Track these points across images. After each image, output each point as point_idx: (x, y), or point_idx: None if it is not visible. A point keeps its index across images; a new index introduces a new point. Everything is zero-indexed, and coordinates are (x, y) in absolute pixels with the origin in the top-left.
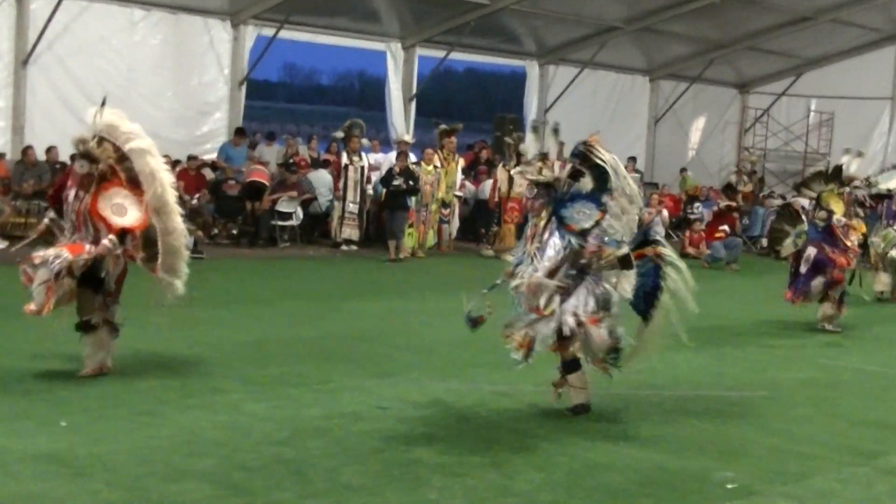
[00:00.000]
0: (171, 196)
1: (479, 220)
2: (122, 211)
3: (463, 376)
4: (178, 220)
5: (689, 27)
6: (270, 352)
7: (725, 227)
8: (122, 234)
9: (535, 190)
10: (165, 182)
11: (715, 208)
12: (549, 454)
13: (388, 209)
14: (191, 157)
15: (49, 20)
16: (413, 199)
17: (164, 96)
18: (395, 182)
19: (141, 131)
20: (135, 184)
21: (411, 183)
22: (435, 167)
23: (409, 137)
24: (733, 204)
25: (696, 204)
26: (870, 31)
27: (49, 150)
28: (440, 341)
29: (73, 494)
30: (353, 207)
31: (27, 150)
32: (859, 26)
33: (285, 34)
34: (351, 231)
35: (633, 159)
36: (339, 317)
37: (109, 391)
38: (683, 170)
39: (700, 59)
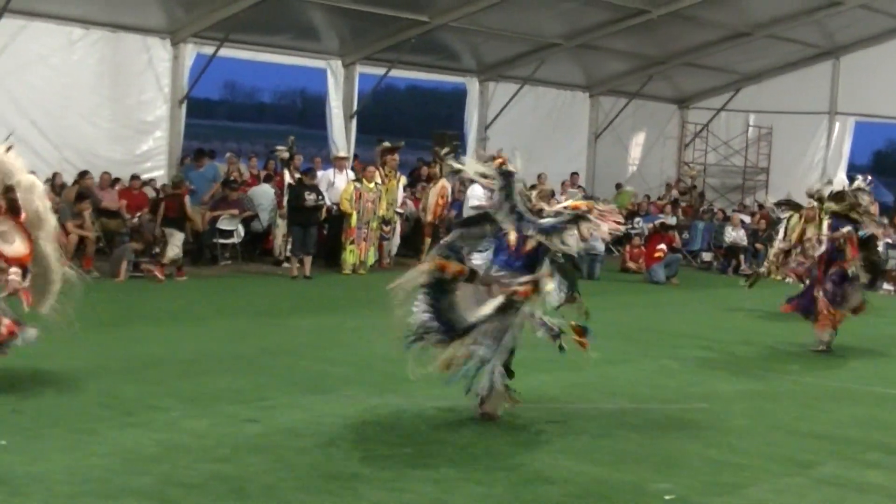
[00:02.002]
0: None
1: (419, 237)
2: (10, 239)
3: (400, 391)
4: (56, 262)
5: (628, 43)
6: (208, 369)
7: (663, 247)
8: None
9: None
10: (52, 223)
11: (650, 225)
12: (487, 468)
13: (297, 225)
14: (134, 177)
15: None
16: (353, 216)
17: (102, 115)
18: (308, 197)
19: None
20: (14, 213)
21: (321, 199)
22: (376, 184)
23: (344, 153)
24: (666, 222)
25: (637, 219)
26: (807, 47)
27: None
28: (377, 357)
29: None
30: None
31: None
32: (796, 42)
33: (225, 52)
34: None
35: (575, 174)
36: (277, 333)
37: (46, 409)
38: (619, 185)
39: (639, 75)
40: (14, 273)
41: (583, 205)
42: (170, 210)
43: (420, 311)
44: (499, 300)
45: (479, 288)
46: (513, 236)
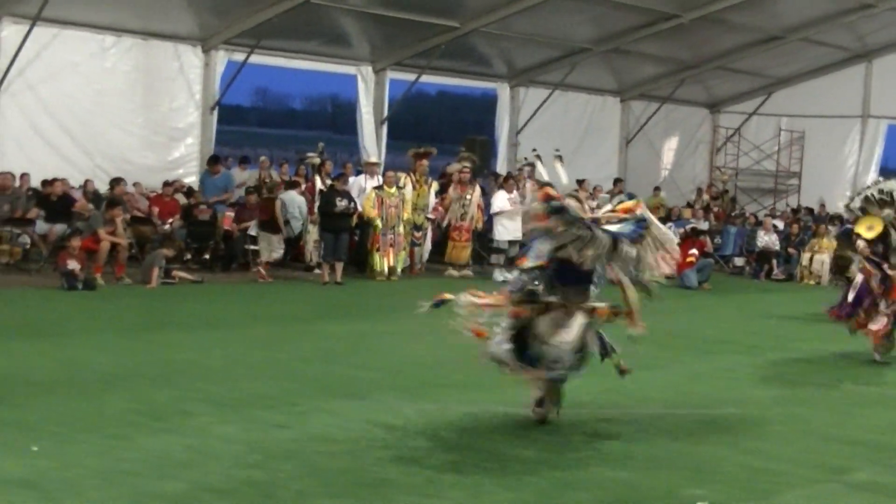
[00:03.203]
0: None
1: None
2: None
3: (432, 397)
4: None
5: (659, 48)
6: (240, 374)
7: (695, 252)
8: None
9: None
10: None
11: (682, 230)
12: (517, 473)
13: (329, 231)
14: (166, 184)
15: (20, 47)
16: (378, 222)
17: (134, 122)
18: (340, 203)
19: None
20: None
21: (352, 205)
22: (399, 188)
23: (375, 159)
24: (698, 227)
25: (668, 224)
26: (839, 50)
27: (22, 176)
28: (409, 362)
29: None
30: None
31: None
32: (828, 45)
33: (256, 59)
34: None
35: (619, 180)
36: (309, 339)
37: (79, 415)
38: (657, 189)
39: (670, 80)
40: None
41: (632, 205)
42: (264, 214)
43: (499, 344)
44: (580, 322)
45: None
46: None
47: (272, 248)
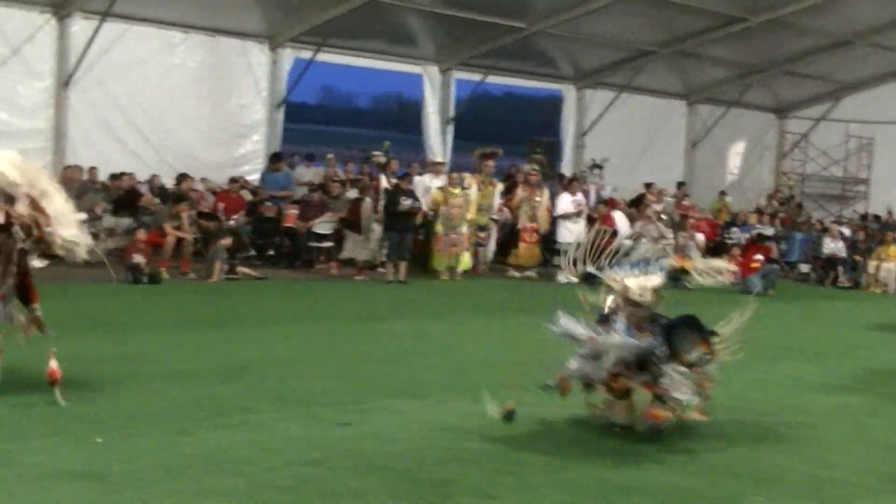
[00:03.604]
0: None
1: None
2: None
3: (494, 398)
4: None
5: (726, 51)
6: (302, 372)
7: (760, 257)
8: None
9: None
10: None
11: (747, 235)
12: (578, 476)
13: (393, 230)
14: (233, 180)
15: (90, 42)
16: (440, 222)
17: (201, 118)
18: (404, 202)
19: None
20: None
21: (416, 204)
22: (463, 189)
23: (440, 158)
24: (764, 232)
25: (733, 228)
26: None
27: (90, 170)
28: (472, 362)
29: None
30: None
31: (66, 170)
32: None
33: (323, 57)
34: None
35: (682, 184)
36: (372, 337)
37: (142, 409)
38: (723, 193)
39: (737, 84)
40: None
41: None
42: (351, 213)
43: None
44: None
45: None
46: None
47: (355, 248)
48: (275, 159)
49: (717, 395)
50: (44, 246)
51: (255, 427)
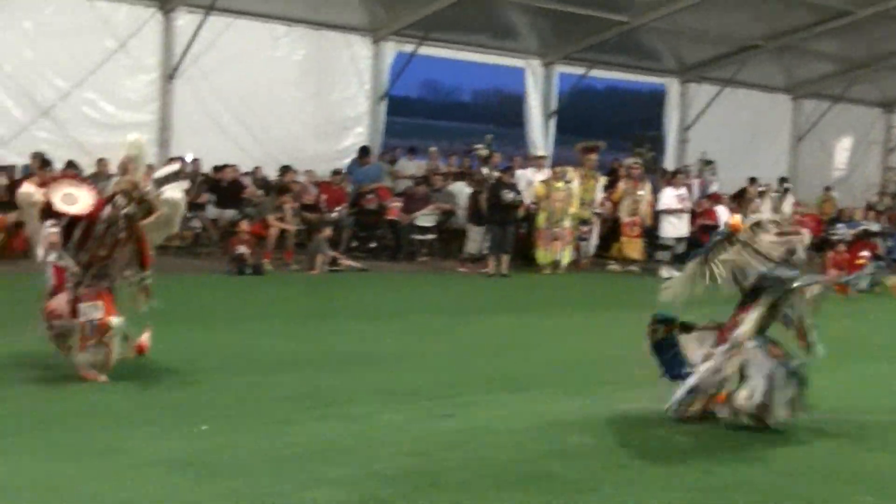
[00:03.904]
0: None
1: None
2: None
3: (598, 393)
4: None
5: (831, 45)
6: (406, 364)
7: (866, 254)
8: None
9: None
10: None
11: (853, 232)
12: (682, 473)
13: (495, 224)
14: (335, 172)
15: (194, 35)
16: (541, 215)
17: (305, 111)
18: (507, 196)
19: None
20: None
21: (519, 197)
22: (566, 182)
23: (542, 152)
24: (870, 229)
25: (839, 225)
26: None
27: (193, 161)
28: (573, 357)
29: (207, 498)
30: None
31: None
32: None
33: (425, 50)
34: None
35: (784, 179)
36: (475, 330)
37: (246, 398)
38: (828, 189)
39: (842, 78)
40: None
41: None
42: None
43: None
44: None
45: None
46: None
47: (477, 241)
48: (363, 153)
49: (816, 393)
50: (146, 206)
51: (359, 418)
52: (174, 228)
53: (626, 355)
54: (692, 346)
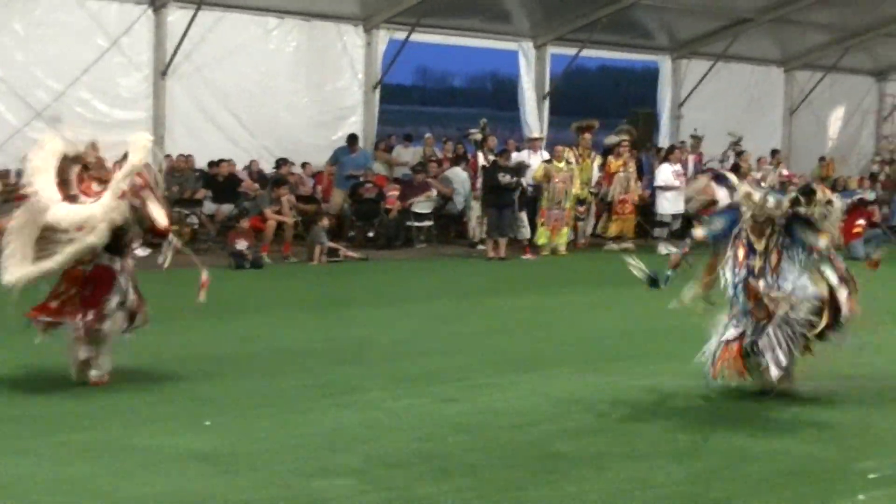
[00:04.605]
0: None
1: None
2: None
3: (603, 370)
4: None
5: (824, 15)
6: (409, 350)
7: (862, 222)
8: None
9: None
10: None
11: (848, 201)
12: (688, 446)
13: (492, 207)
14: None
15: (186, 31)
16: (545, 196)
17: (300, 102)
18: (503, 178)
19: None
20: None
21: (517, 179)
22: (567, 163)
23: (538, 134)
24: (865, 197)
25: (834, 194)
26: None
27: (187, 157)
28: (580, 336)
29: (221, 491)
30: None
31: (166, 159)
32: None
33: (417, 37)
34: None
35: (776, 151)
36: (476, 314)
37: (253, 390)
38: (822, 159)
39: (835, 48)
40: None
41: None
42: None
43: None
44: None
45: None
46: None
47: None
48: (352, 141)
49: (824, 361)
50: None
51: (368, 406)
52: None
53: (628, 330)
54: None
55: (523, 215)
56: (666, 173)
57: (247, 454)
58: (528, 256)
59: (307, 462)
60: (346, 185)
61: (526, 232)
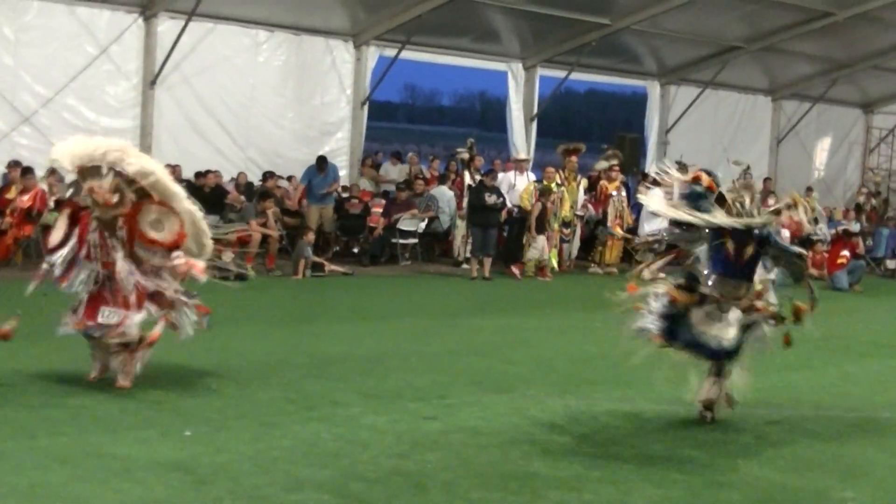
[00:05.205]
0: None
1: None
2: (161, 226)
3: (581, 392)
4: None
5: (813, 46)
6: (389, 366)
7: (846, 253)
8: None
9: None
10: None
11: (833, 232)
12: (666, 470)
13: (478, 226)
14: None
15: (176, 41)
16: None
17: (286, 116)
18: (489, 198)
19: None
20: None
21: (502, 200)
22: (557, 185)
23: (525, 155)
24: (850, 229)
25: (819, 224)
26: None
27: (173, 167)
28: (558, 357)
29: (197, 502)
30: None
31: None
32: None
33: (407, 54)
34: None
35: (767, 179)
36: (458, 333)
37: (231, 402)
38: (809, 189)
39: (823, 79)
40: (177, 256)
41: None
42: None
43: (650, 321)
44: (737, 319)
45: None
46: (731, 246)
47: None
48: (321, 162)
49: (804, 390)
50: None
51: (343, 421)
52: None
53: (608, 353)
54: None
55: (542, 238)
56: (657, 193)
57: (223, 465)
58: (543, 278)
59: (283, 475)
60: (322, 202)
61: (536, 253)
